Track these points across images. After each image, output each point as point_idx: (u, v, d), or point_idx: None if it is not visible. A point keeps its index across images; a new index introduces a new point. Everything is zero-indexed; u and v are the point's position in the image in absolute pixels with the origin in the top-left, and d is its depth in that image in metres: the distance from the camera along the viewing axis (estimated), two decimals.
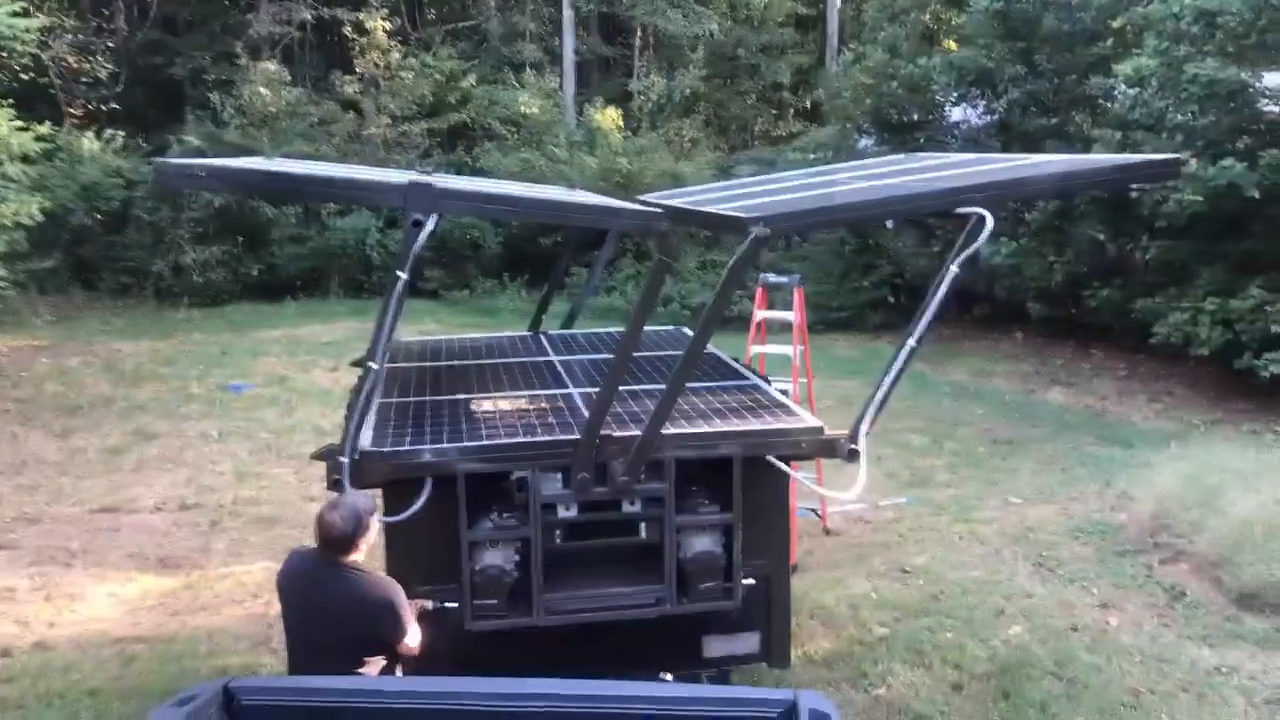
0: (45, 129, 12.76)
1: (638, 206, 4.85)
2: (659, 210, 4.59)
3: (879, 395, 4.40)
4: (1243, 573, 6.62)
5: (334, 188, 4.95)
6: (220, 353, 13.99)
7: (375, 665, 3.84)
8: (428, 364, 6.06)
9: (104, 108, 20.33)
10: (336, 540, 3.77)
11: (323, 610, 3.78)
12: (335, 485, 4.15)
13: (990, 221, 4.17)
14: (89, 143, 17.99)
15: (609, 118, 20.05)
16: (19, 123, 12.28)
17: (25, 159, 12.47)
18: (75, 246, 17.75)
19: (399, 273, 4.11)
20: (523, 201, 4.74)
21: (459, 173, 19.87)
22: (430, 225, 4.05)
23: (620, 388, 5.20)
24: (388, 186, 4.41)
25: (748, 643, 4.85)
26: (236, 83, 19.79)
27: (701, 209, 5.15)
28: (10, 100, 12.99)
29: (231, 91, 19.61)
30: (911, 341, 4.34)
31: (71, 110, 20.02)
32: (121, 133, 18.58)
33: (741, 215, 4.33)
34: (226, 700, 3.00)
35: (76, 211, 17.09)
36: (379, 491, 4.27)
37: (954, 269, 4.23)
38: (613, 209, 4.92)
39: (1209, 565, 6.96)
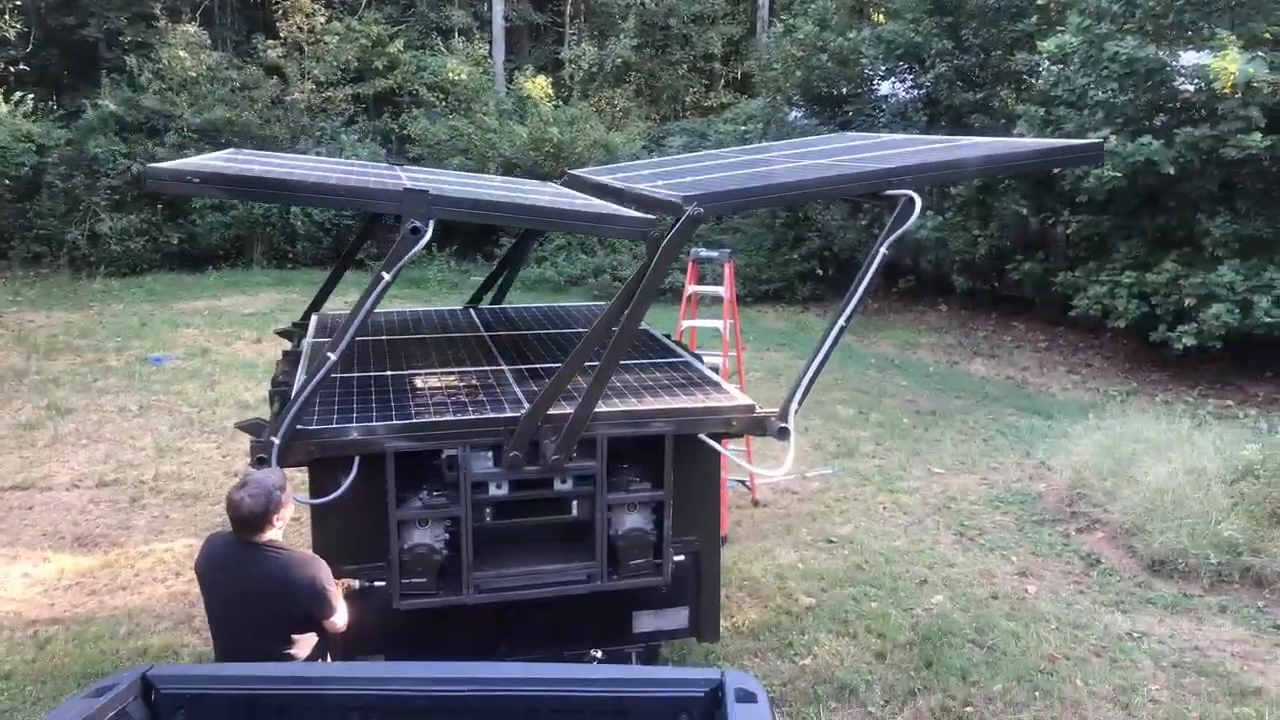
0: None
1: (632, 213, 4.86)
2: (652, 218, 4.60)
3: (808, 375, 4.45)
4: (1153, 540, 6.87)
5: (329, 193, 4.91)
6: (139, 324, 13.60)
7: (306, 643, 3.80)
8: (356, 339, 5.93)
9: (12, 69, 19.48)
10: (246, 519, 3.70)
11: (244, 591, 3.72)
12: (260, 463, 4.08)
13: (919, 204, 4.24)
14: None
15: (539, 86, 19.79)
16: None
17: None
18: None
19: (383, 273, 4.06)
20: (517, 208, 4.73)
21: (385, 140, 19.51)
22: (429, 233, 4.01)
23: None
24: (384, 193, 4.38)
25: (677, 618, 4.89)
26: (154, 45, 19.11)
27: (635, 188, 5.13)
28: None
29: (149, 55, 18.94)
30: (841, 322, 4.39)
31: None
32: (32, 95, 17.86)
33: (676, 196, 4.33)
34: (145, 689, 2.91)
35: None
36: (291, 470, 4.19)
37: (884, 251, 4.29)
38: (608, 216, 4.94)
39: (1123, 533, 7.21)
